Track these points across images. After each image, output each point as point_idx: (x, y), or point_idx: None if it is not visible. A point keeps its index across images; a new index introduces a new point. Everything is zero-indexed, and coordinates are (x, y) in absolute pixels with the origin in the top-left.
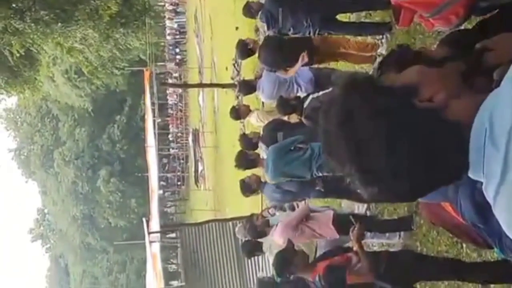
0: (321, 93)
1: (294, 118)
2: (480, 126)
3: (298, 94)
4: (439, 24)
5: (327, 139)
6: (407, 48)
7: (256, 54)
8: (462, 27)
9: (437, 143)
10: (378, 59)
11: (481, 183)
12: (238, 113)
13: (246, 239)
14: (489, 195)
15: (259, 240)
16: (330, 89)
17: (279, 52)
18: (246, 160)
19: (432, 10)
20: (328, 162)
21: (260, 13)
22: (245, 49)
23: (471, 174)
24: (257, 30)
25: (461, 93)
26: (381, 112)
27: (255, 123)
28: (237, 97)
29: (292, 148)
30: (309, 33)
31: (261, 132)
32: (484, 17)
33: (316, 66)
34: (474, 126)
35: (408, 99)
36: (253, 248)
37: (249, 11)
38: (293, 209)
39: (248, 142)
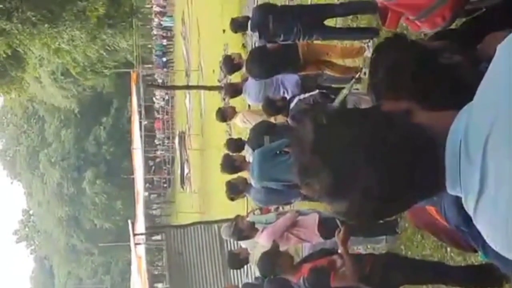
0: (307, 94)
1: (280, 119)
2: (454, 138)
3: (284, 96)
4: (425, 27)
5: (301, 159)
6: (403, 36)
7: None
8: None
9: (407, 151)
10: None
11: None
12: (224, 114)
13: (231, 251)
14: (468, 208)
15: (245, 254)
16: (316, 91)
17: (264, 64)
18: (231, 164)
19: (418, 13)
20: (303, 179)
21: (250, 24)
22: (231, 65)
23: (448, 189)
24: (244, 33)
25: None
26: (349, 121)
27: (241, 124)
28: (224, 100)
29: (278, 151)
30: (299, 39)
31: (248, 135)
32: (470, 17)
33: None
34: (448, 138)
35: (374, 107)
36: (240, 264)
37: (237, 25)
38: (277, 212)
39: (234, 145)
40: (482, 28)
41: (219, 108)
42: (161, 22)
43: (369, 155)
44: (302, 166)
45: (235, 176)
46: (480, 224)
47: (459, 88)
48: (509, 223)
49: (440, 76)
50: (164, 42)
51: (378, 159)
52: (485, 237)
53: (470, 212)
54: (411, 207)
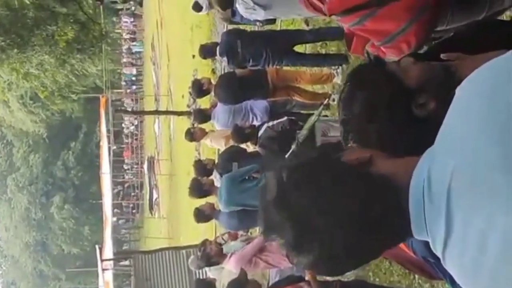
0: (275, 122)
1: (251, 146)
2: (417, 185)
3: (253, 123)
4: (390, 53)
5: (265, 214)
6: (381, 64)
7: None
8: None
9: (369, 199)
10: (334, 94)
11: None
12: (193, 136)
13: (200, 278)
14: (436, 251)
15: (212, 279)
16: (284, 118)
17: (233, 89)
18: (199, 188)
19: (383, 38)
20: (267, 234)
21: (218, 49)
22: (200, 90)
23: (415, 235)
24: (213, 59)
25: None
26: (310, 174)
27: (209, 145)
28: (193, 125)
29: (246, 177)
30: (268, 65)
31: (216, 160)
32: (438, 41)
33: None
34: (411, 185)
35: (335, 158)
36: None
37: (206, 52)
38: (246, 236)
39: (203, 168)
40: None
41: (189, 129)
42: (131, 47)
43: (330, 210)
44: (266, 222)
45: (203, 202)
46: (449, 266)
47: (424, 139)
48: (478, 264)
49: (408, 127)
50: (134, 71)
51: (340, 214)
52: (454, 278)
53: (439, 254)
54: (378, 256)
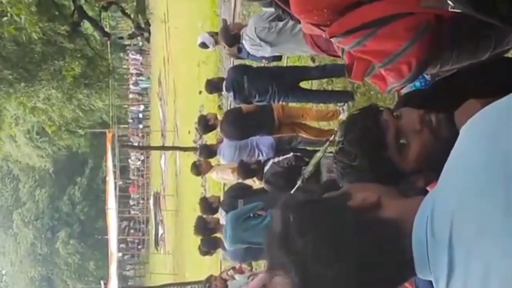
0: (281, 157)
1: (257, 182)
2: (420, 225)
3: (259, 159)
4: (391, 77)
5: (270, 252)
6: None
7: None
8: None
9: (374, 245)
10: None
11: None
12: (199, 169)
13: None
14: None
15: None
16: (290, 154)
17: (238, 125)
18: (204, 226)
19: (384, 59)
20: (272, 273)
21: (224, 83)
22: (206, 125)
23: (419, 274)
24: (220, 94)
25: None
26: (316, 219)
27: (215, 178)
28: (199, 161)
29: (251, 215)
30: (274, 100)
31: (222, 197)
32: (441, 77)
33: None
34: (414, 226)
35: (341, 202)
36: None
37: (212, 87)
38: (251, 272)
39: (208, 206)
40: (455, 90)
41: (194, 162)
42: (138, 81)
43: (335, 260)
44: (271, 261)
45: None
46: None
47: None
48: None
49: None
50: (141, 108)
51: (345, 257)
52: None
53: None
54: None
